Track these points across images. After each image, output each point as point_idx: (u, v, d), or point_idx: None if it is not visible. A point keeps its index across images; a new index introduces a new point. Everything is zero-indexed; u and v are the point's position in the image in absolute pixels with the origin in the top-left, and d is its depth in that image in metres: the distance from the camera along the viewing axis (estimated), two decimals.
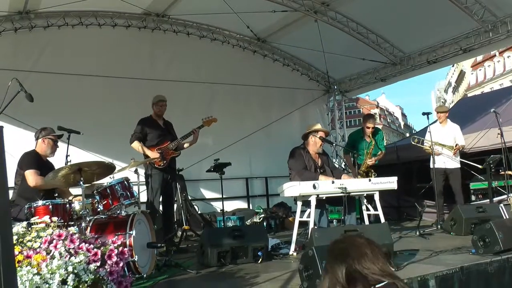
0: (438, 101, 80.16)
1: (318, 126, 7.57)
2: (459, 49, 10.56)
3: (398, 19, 10.58)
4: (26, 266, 3.00)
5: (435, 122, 9.65)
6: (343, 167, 12.14)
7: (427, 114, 8.96)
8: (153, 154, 7.41)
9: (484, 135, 9.88)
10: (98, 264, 3.22)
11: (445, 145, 9.00)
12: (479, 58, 50.12)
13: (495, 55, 51.39)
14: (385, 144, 10.01)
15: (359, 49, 11.56)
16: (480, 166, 9.28)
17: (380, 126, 79.57)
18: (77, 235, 3.36)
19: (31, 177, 5.75)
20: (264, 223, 10.13)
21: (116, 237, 4.45)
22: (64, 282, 2.99)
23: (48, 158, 6.22)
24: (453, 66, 64.00)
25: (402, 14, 10.32)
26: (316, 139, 7.28)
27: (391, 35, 11.42)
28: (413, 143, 9.46)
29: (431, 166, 8.93)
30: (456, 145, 9.02)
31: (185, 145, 7.85)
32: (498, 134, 8.75)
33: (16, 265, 2.95)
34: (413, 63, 11.77)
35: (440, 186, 9.04)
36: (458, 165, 9.16)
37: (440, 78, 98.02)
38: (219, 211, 10.68)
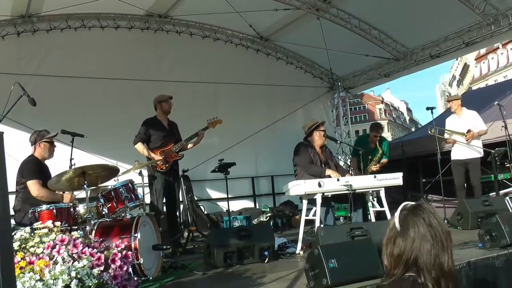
0: (442, 95, 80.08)
1: (316, 121, 7.62)
2: (462, 42, 10.51)
3: (400, 14, 10.54)
4: (29, 272, 2.99)
5: (443, 113, 9.53)
6: (349, 163, 12.10)
7: (431, 108, 8.93)
8: (156, 157, 7.33)
9: (488, 128, 9.83)
10: (102, 268, 3.21)
11: (457, 132, 8.76)
12: (483, 51, 49.85)
13: (498, 48, 51.08)
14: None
15: (362, 46, 11.53)
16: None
17: (385, 122, 79.90)
18: (80, 239, 3.35)
19: (34, 188, 5.70)
20: (271, 222, 10.12)
21: (121, 240, 4.44)
22: (67, 287, 2.98)
23: (45, 161, 6.19)
24: (457, 59, 63.79)
25: (404, 9, 10.29)
26: (320, 133, 7.35)
27: (394, 31, 11.38)
28: (430, 133, 9.15)
29: (452, 158, 8.86)
30: (468, 131, 8.66)
31: (189, 146, 7.74)
32: (503, 126, 8.69)
33: (19, 271, 2.94)
34: (416, 58, 11.72)
35: (461, 179, 8.86)
36: (479, 155, 8.77)
37: (444, 72, 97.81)
38: (225, 211, 10.67)
